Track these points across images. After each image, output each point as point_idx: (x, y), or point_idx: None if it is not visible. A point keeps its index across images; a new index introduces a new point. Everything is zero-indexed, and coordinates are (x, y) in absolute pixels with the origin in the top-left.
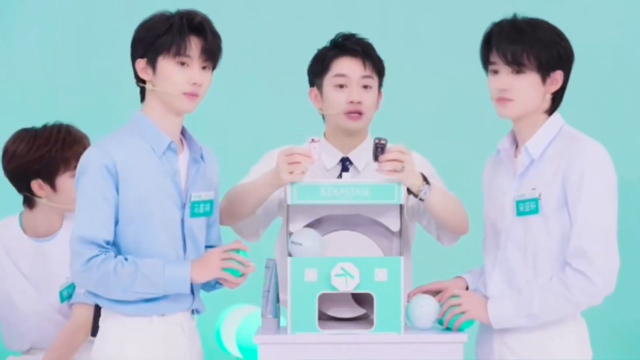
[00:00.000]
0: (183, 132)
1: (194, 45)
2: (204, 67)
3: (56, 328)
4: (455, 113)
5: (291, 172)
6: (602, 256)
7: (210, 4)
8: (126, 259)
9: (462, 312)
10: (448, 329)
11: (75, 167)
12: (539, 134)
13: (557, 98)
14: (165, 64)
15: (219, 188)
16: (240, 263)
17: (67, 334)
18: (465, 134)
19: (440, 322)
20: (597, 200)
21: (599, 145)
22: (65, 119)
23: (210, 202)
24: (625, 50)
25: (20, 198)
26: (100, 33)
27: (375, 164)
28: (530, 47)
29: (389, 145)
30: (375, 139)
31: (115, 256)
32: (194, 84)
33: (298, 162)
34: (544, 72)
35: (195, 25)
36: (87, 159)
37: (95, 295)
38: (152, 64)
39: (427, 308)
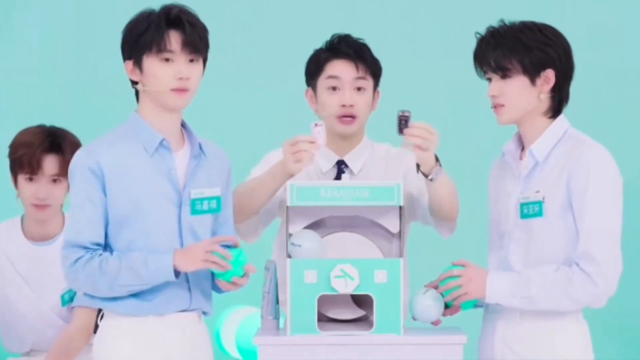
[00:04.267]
0: (185, 128)
1: (174, 39)
2: (191, 60)
3: (56, 331)
4: (457, 115)
5: (297, 161)
6: (609, 261)
7: (212, 3)
8: (112, 255)
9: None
10: (447, 306)
11: None
12: (543, 137)
13: (555, 97)
14: (150, 62)
15: (231, 184)
16: (222, 257)
17: (68, 337)
18: (467, 136)
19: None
20: (603, 204)
21: (604, 148)
22: (64, 120)
23: (217, 198)
24: (625, 50)
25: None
26: (100, 34)
27: (372, 164)
28: (511, 50)
29: (412, 120)
30: (399, 111)
31: (101, 255)
32: (181, 78)
33: (304, 150)
34: (531, 74)
35: (172, 19)
36: (73, 162)
37: (91, 296)
38: (139, 64)
39: (431, 301)
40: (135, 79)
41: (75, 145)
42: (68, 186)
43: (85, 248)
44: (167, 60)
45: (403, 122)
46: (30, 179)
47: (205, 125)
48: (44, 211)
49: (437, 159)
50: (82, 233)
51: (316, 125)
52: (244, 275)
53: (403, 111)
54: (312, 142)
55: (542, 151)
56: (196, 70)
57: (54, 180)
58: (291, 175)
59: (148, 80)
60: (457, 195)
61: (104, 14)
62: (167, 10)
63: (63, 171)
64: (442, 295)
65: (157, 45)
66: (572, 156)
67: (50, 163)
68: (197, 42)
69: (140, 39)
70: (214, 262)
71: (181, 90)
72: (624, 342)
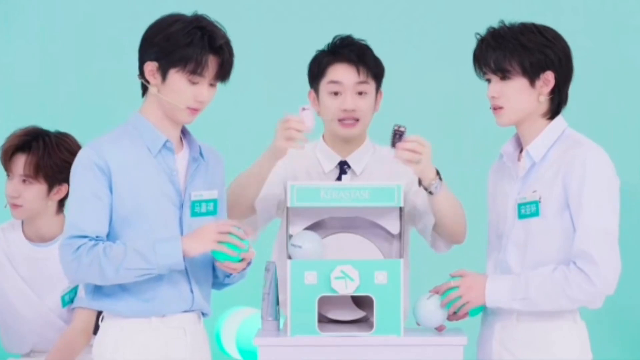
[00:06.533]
0: (183, 131)
1: (211, 66)
2: (211, 85)
3: (56, 332)
4: (457, 117)
5: (288, 138)
6: (606, 260)
7: (212, 3)
8: (115, 242)
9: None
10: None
11: None
12: (540, 137)
13: (555, 99)
14: (177, 77)
15: (225, 188)
16: (237, 238)
17: (68, 338)
18: (466, 137)
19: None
20: (599, 204)
21: (600, 148)
22: (64, 120)
23: (214, 201)
24: (625, 50)
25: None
26: (99, 34)
27: (374, 165)
28: (511, 52)
29: (407, 134)
30: (394, 125)
31: (105, 242)
32: (201, 101)
33: (294, 129)
34: (531, 76)
35: (216, 47)
36: (80, 157)
37: (92, 296)
38: (163, 72)
39: (435, 306)
40: (152, 82)
41: (49, 145)
42: (47, 191)
43: (89, 238)
44: (194, 83)
45: (397, 137)
46: (8, 177)
47: (205, 126)
48: (16, 211)
49: (438, 173)
50: (87, 225)
51: (303, 109)
52: (240, 261)
53: (399, 126)
54: (300, 123)
55: (539, 151)
56: (213, 93)
57: (24, 181)
58: (280, 156)
59: (167, 91)
60: (464, 217)
61: (104, 14)
62: (213, 35)
63: (30, 171)
64: (446, 308)
65: (193, 68)
66: (569, 156)
67: (18, 162)
68: (228, 73)
69: (177, 53)
70: (226, 244)
71: (195, 110)
72: (623, 342)
